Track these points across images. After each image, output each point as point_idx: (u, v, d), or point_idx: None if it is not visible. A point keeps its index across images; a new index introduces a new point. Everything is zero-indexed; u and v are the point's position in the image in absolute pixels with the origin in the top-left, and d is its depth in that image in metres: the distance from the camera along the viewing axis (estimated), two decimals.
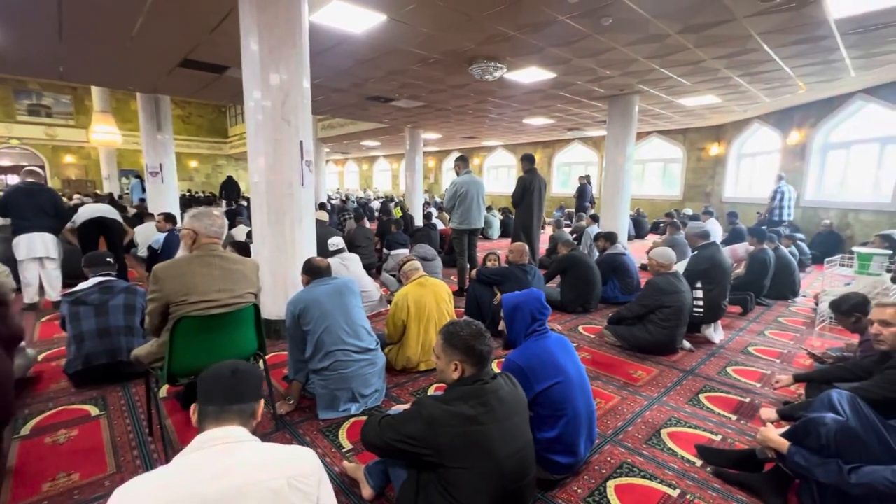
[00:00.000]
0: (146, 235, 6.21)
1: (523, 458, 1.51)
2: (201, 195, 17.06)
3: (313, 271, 2.62)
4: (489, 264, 4.23)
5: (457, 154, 19.36)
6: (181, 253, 2.12)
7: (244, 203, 12.18)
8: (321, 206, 8.60)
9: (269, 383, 2.46)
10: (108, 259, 2.99)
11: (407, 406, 2.01)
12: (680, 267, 3.88)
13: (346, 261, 4.19)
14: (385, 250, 6.53)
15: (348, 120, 13.94)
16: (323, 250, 4.36)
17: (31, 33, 4.76)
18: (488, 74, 5.46)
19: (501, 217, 11.15)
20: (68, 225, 4.70)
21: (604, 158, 8.16)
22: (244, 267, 2.17)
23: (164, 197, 8.21)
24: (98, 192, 16.15)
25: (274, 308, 3.54)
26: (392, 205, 12.47)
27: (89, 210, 4.89)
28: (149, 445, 2.23)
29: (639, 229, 10.73)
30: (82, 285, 2.81)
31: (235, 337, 2.14)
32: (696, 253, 3.97)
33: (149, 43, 5.04)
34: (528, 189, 5.32)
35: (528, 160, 5.42)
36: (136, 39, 4.91)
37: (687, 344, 3.58)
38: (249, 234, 5.26)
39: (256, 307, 2.22)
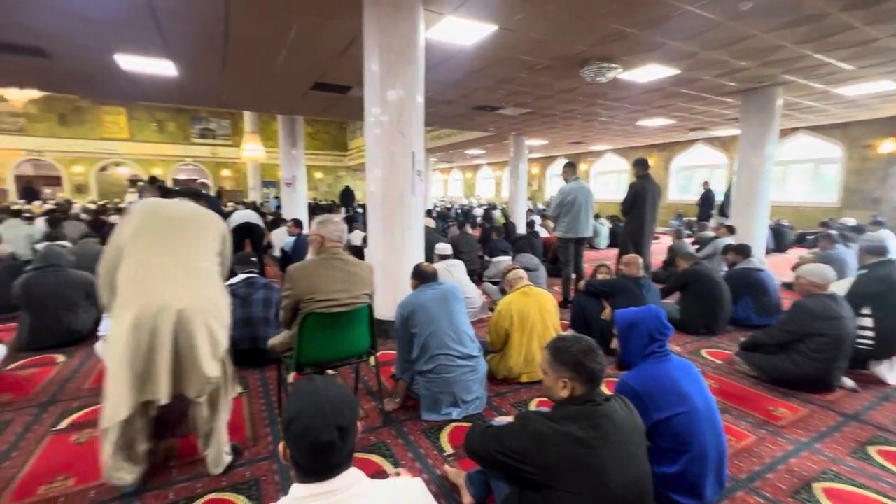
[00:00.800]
0: (280, 238, 7.07)
1: (640, 489, 1.37)
2: (324, 203, 18.93)
3: (422, 276, 2.72)
4: (599, 276, 3.98)
5: (563, 160, 18.76)
6: (310, 256, 2.34)
7: (360, 210, 13.22)
8: (427, 213, 8.97)
9: (378, 380, 2.60)
10: (253, 259, 3.46)
11: (510, 418, 1.97)
12: (837, 288, 3.23)
13: (451, 267, 4.29)
14: (487, 257, 6.55)
15: (455, 130, 14.37)
16: (430, 256, 4.52)
17: (202, 70, 5.76)
18: (601, 76, 5.18)
19: (610, 226, 10.48)
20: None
21: (734, 160, 7.19)
22: (361, 270, 2.32)
23: (296, 204, 9.28)
24: (245, 200, 18.88)
25: (384, 309, 3.75)
26: (495, 212, 12.49)
27: (239, 216, 5.72)
28: (278, 424, 2.51)
29: (779, 242, 9.22)
30: (232, 280, 3.29)
31: (352, 334, 2.31)
32: (865, 271, 3.27)
33: (289, 71, 5.75)
34: (641, 196, 4.92)
35: (640, 165, 5.01)
36: (280, 69, 5.64)
37: (848, 382, 2.96)
38: (364, 240, 5.68)
39: (370, 307, 2.36)
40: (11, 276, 3.87)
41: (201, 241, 1.90)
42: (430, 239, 5.09)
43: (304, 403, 0.99)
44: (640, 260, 3.60)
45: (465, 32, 4.34)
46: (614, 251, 9.60)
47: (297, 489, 0.98)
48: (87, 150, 20.27)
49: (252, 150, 15.26)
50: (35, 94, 13.31)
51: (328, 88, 6.61)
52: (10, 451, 2.25)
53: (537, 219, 9.82)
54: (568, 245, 4.84)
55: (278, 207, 11.24)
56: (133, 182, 21.42)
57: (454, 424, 2.51)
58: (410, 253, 3.77)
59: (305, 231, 6.38)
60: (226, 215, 6.03)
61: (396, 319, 2.65)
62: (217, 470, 2.03)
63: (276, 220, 8.31)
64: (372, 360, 2.50)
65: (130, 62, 5.32)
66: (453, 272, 4.28)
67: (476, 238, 7.31)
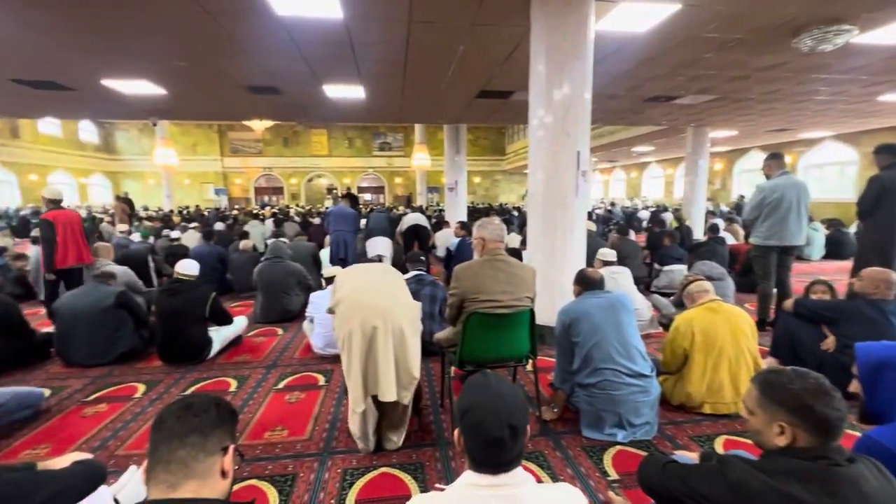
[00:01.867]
0: (444, 239, 7.55)
1: None
2: (481, 206, 19.61)
3: (586, 282, 2.54)
4: (814, 296, 3.15)
5: (757, 152, 15.63)
6: (475, 257, 2.39)
7: (514, 213, 13.30)
8: (587, 216, 8.48)
9: (536, 387, 2.52)
10: (422, 258, 3.75)
11: (694, 455, 1.67)
12: None
13: (615, 274, 3.93)
14: (656, 265, 5.84)
15: (619, 126, 13.27)
16: (590, 261, 4.23)
17: (385, 90, 6.53)
18: (825, 44, 4.10)
19: (827, 232, 8.29)
20: (398, 230, 6.24)
21: None
22: (524, 272, 2.29)
23: (457, 208, 9.82)
24: (413, 204, 20.87)
25: (543, 314, 3.62)
26: (665, 215, 11.10)
27: (410, 218, 6.31)
28: (440, 414, 2.64)
29: None
30: (405, 276, 3.61)
31: (512, 337, 2.29)
32: None
33: (457, 83, 6.10)
34: (889, 192, 3.71)
35: (888, 152, 3.79)
36: (448, 82, 6.02)
37: None
38: (522, 243, 5.65)
39: (532, 311, 2.30)
40: (252, 265, 5.01)
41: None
42: (592, 243, 4.77)
43: (477, 398, 1.00)
44: (894, 277, 2.70)
45: (640, 18, 3.93)
46: (831, 264, 7.59)
47: (469, 476, 0.99)
48: (300, 165, 25.19)
49: (420, 158, 16.72)
50: (269, 123, 17.17)
51: (492, 95, 6.79)
52: (248, 400, 2.88)
53: (720, 222, 8.36)
54: (768, 255, 3.96)
55: (440, 211, 12.08)
56: (329, 190, 25.87)
57: (619, 447, 2.27)
58: (572, 257, 3.59)
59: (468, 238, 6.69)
60: (395, 220, 6.76)
61: (557, 326, 2.53)
62: (392, 447, 2.24)
63: (440, 223, 8.92)
64: (530, 364, 2.44)
65: (334, 90, 6.36)
66: (618, 280, 3.91)
67: (640, 244, 6.60)
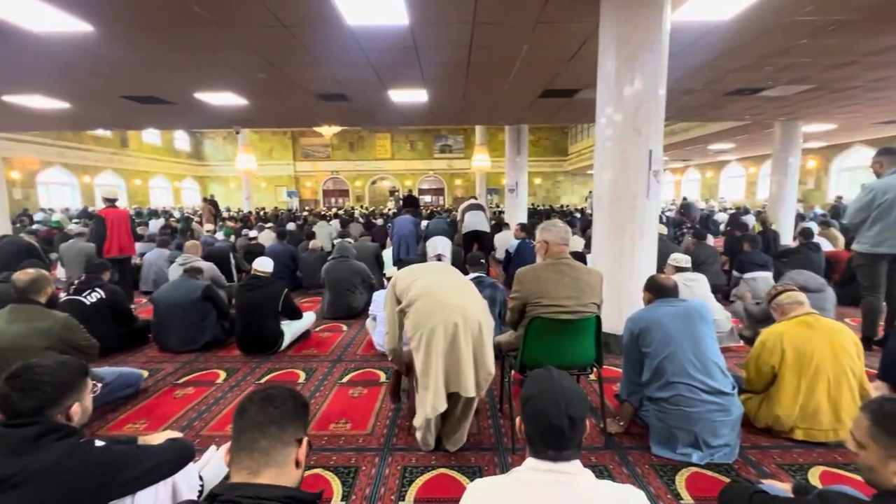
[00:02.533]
0: (503, 241, 7.47)
1: None
2: (541, 207, 19.18)
3: (658, 289, 2.37)
4: None
5: (861, 147, 13.86)
6: (538, 260, 2.33)
7: (577, 215, 12.85)
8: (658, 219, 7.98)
9: (601, 398, 2.40)
10: (482, 260, 3.73)
11: (785, 487, 1.50)
12: None
13: (690, 281, 3.65)
14: (736, 272, 5.34)
15: (694, 123, 12.38)
16: (661, 267, 3.96)
17: (447, 93, 6.59)
18: None
19: None
20: (458, 232, 6.27)
21: None
22: (590, 277, 2.19)
23: (517, 209, 9.68)
24: (474, 199, 20.88)
25: (609, 321, 3.45)
26: (747, 218, 10.16)
27: (470, 221, 6.30)
28: (499, 418, 2.60)
29: None
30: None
31: (577, 344, 2.19)
32: None
33: (520, 83, 6.01)
34: None
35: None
36: (511, 82, 5.95)
37: None
38: (586, 246, 5.44)
39: (598, 318, 2.20)
40: (320, 263, 5.28)
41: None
42: (663, 248, 4.46)
43: (540, 388, 1.07)
44: None
45: (723, 5, 3.63)
46: None
47: (531, 461, 1.05)
48: (365, 168, 26.21)
49: (480, 160, 16.70)
50: (337, 128, 18.06)
51: (555, 94, 6.62)
52: (315, 392, 3.02)
53: (814, 227, 7.49)
54: (876, 264, 3.47)
55: (500, 213, 12.01)
56: (391, 192, 26.69)
57: (694, 469, 2.10)
58: (641, 262, 3.39)
59: (531, 240, 6.55)
60: (454, 223, 6.80)
61: (624, 335, 2.39)
62: (452, 448, 2.23)
63: (499, 224, 8.84)
64: (595, 374, 2.33)
65: (398, 94, 6.54)
66: (693, 288, 3.63)
67: (717, 249, 6.08)
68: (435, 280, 2.09)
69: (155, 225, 12.10)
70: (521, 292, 2.20)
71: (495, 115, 8.51)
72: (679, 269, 3.79)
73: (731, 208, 15.99)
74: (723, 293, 5.11)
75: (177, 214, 16.66)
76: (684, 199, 8.80)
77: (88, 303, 3.46)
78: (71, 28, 3.89)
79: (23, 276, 2.45)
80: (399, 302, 2.11)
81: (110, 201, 5.02)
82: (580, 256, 4.05)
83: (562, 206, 20.40)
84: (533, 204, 21.67)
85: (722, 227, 11.20)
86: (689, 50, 4.70)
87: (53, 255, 7.34)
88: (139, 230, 9.09)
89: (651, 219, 3.40)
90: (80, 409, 1.36)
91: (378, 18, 3.84)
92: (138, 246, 6.69)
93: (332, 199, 26.88)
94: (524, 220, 9.45)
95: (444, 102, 7.23)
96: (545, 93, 6.53)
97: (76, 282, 3.67)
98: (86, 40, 4.17)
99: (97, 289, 3.54)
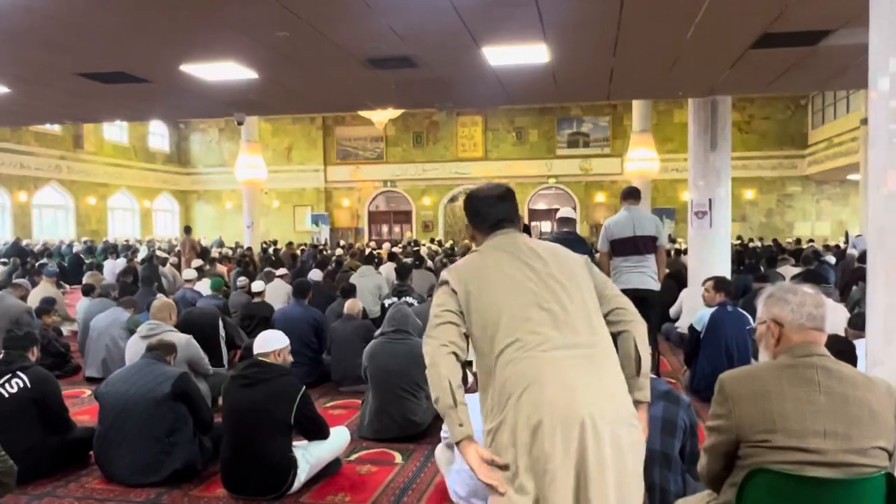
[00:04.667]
0: (688, 305, 7.14)
1: None
2: (755, 246, 18.20)
3: None
4: None
5: None
6: (761, 357, 2.18)
7: (828, 260, 12.00)
8: None
9: None
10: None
11: None
12: None
13: None
14: None
15: None
16: None
17: (583, 50, 6.71)
18: None
19: None
20: None
21: None
22: (872, 396, 1.99)
23: (710, 247, 9.26)
24: None
25: None
26: None
27: (632, 279, 6.13)
28: None
29: None
30: None
31: None
32: None
33: (713, 27, 5.92)
34: None
35: None
36: (700, 25, 5.87)
37: None
38: (855, 325, 4.97)
39: (892, 478, 1.97)
40: (360, 340, 5.45)
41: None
42: None
43: None
44: None
45: None
46: None
47: None
48: (439, 175, 27.35)
49: (642, 159, 16.57)
50: (394, 112, 19.18)
51: (782, 42, 6.43)
52: None
53: None
54: None
55: (679, 252, 11.46)
56: None
57: None
58: None
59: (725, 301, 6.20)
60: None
61: None
62: None
63: (678, 277, 8.50)
64: None
65: (499, 54, 6.81)
66: None
67: None
68: (552, 365, 2.01)
69: (112, 269, 13.48)
70: (729, 418, 2.05)
71: (669, 82, 8.42)
72: None
73: None
74: None
75: (144, 252, 18.44)
76: None
77: (7, 394, 3.85)
78: None
79: None
80: (461, 313, 2.14)
81: None
82: (844, 348, 3.71)
83: (797, 241, 19.20)
84: (741, 238, 20.75)
85: None
86: None
87: None
88: (88, 278, 10.10)
89: None
90: None
91: None
92: (83, 304, 7.42)
93: (384, 228, 28.15)
94: (725, 266, 9.01)
95: (578, 65, 7.32)
96: (763, 39, 6.36)
97: None
98: None
99: (19, 373, 3.94)
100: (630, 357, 2.15)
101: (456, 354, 2.07)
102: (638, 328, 2.20)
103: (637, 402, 2.09)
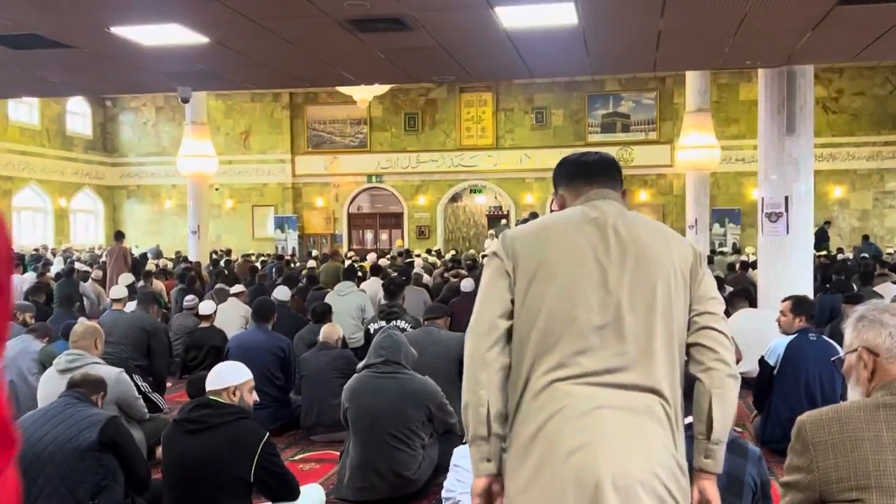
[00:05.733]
0: (755, 335, 7.15)
1: None
2: (849, 259, 18.05)
3: None
4: None
5: None
6: (851, 395, 2.21)
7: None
8: None
9: None
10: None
11: None
12: None
13: None
14: None
15: None
16: None
17: (623, 11, 6.74)
18: None
19: None
20: None
21: None
22: None
23: (789, 259, 9.25)
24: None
25: None
26: None
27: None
28: None
29: None
30: None
31: None
32: None
33: None
34: None
35: None
36: None
37: None
38: None
39: None
40: (339, 375, 5.49)
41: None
42: None
43: None
44: None
45: None
46: None
47: None
48: (436, 169, 27.21)
49: (696, 146, 16.56)
50: (381, 88, 19.12)
51: None
52: None
53: None
54: None
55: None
56: (492, 219, 27.10)
57: None
58: None
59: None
60: None
61: None
62: None
63: (746, 294, 8.54)
64: None
65: (517, 15, 6.85)
66: None
67: None
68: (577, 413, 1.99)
69: (18, 285, 13.42)
70: (812, 472, 2.07)
71: (733, 48, 8.43)
72: None
73: None
74: None
75: (59, 264, 18.37)
76: None
77: None
78: None
79: None
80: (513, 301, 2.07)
81: None
82: None
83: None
84: (826, 249, 20.65)
85: None
86: None
87: None
88: None
89: None
90: None
91: None
92: None
93: (369, 234, 28.07)
94: (805, 284, 9.02)
95: (616, 27, 7.37)
96: None
97: None
98: None
99: None
100: (701, 418, 2.09)
101: (506, 371, 2.06)
102: (719, 380, 2.07)
103: (699, 471, 2.07)
